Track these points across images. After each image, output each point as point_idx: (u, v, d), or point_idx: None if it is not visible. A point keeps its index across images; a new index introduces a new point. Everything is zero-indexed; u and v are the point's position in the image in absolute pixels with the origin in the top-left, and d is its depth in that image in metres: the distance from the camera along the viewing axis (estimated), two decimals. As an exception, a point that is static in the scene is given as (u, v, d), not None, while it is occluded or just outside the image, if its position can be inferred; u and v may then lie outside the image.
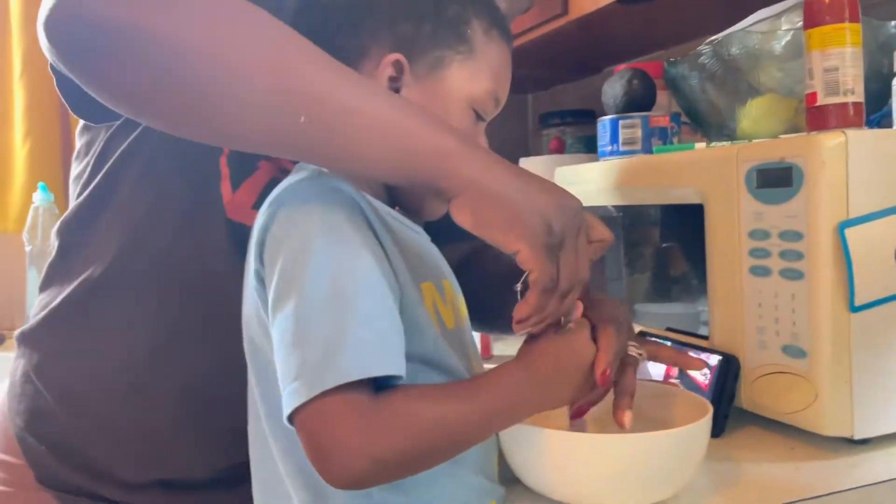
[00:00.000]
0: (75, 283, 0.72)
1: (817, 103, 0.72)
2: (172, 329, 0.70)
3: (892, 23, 0.84)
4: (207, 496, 0.74)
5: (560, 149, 1.50)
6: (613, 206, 1.01)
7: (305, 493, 0.56)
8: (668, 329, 0.91)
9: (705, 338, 0.83)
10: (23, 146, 1.82)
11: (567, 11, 1.20)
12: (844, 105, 0.71)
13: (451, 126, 0.54)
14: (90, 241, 0.72)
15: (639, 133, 0.99)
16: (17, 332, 0.77)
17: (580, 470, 0.59)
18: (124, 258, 0.70)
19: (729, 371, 0.76)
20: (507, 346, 1.13)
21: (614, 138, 1.01)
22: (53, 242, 0.76)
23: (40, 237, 1.59)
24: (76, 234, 0.74)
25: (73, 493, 0.71)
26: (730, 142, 0.86)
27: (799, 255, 0.69)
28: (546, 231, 0.52)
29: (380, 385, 0.50)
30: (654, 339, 0.81)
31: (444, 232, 0.66)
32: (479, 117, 0.64)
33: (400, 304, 0.54)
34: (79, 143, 0.77)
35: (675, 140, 1.02)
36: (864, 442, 0.70)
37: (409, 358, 0.52)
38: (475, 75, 0.62)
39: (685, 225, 0.89)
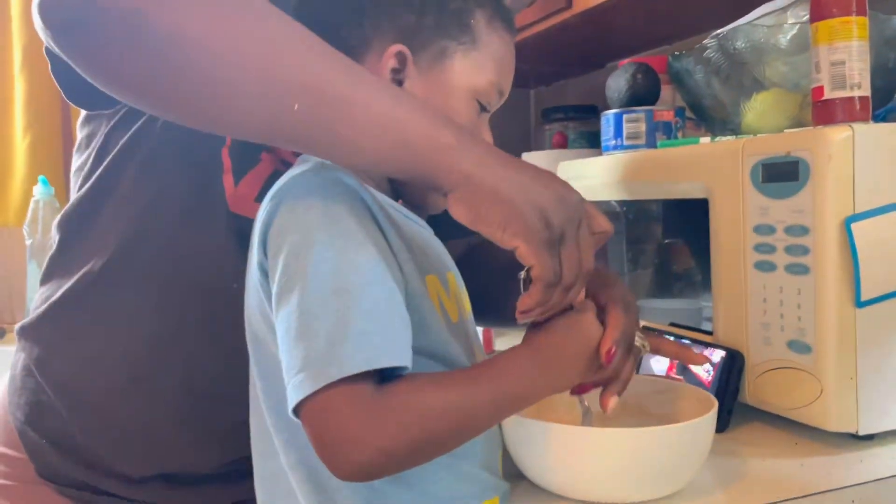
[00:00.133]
0: (76, 277, 0.71)
1: (823, 97, 0.72)
2: (174, 322, 0.69)
3: (899, 17, 0.83)
4: (209, 490, 0.73)
5: (563, 144, 1.50)
6: (617, 202, 1.00)
7: (308, 487, 0.56)
8: (672, 324, 0.91)
9: (709, 333, 0.82)
10: (23, 139, 1.82)
11: (571, 5, 1.20)
12: (851, 99, 0.71)
13: (450, 120, 0.53)
14: (91, 234, 0.72)
15: (643, 127, 0.99)
16: (17, 326, 0.76)
17: (584, 464, 0.59)
18: (126, 251, 0.70)
19: (733, 366, 0.75)
20: (509, 341, 1.12)
21: (618, 133, 1.00)
22: (54, 236, 0.76)
23: (41, 231, 1.58)
24: (77, 227, 0.74)
25: (74, 487, 0.71)
26: (734, 136, 0.86)
27: (805, 250, 0.68)
28: (544, 226, 0.51)
29: (386, 377, 0.50)
30: (657, 332, 0.81)
31: (446, 226, 0.65)
32: (482, 108, 0.64)
33: (405, 296, 0.54)
34: (80, 135, 0.77)
35: (679, 135, 1.01)
36: (869, 438, 0.69)
37: (415, 351, 0.51)
38: (478, 66, 0.62)
39: (688, 220, 0.88)
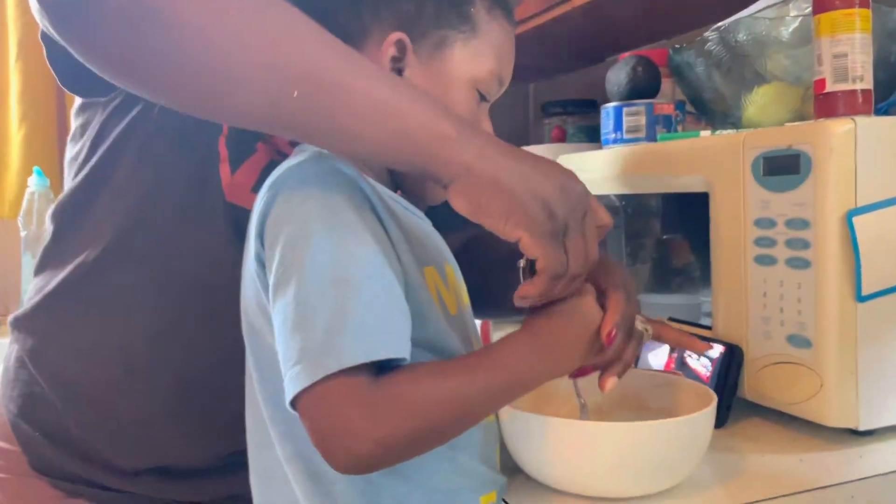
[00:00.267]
0: (70, 267, 0.71)
1: (826, 90, 0.71)
2: (170, 313, 0.69)
3: (902, 10, 0.82)
4: (205, 483, 0.73)
5: (562, 138, 1.49)
6: (616, 196, 1.00)
7: (304, 479, 0.55)
8: (670, 319, 0.91)
9: (708, 328, 0.82)
10: (18, 131, 1.81)
11: (571, -2, 1.19)
12: (853, 92, 0.70)
13: (450, 110, 0.53)
14: (86, 224, 0.71)
15: (643, 121, 0.98)
16: (10, 317, 0.76)
17: (582, 458, 0.59)
18: (121, 241, 0.69)
19: (732, 361, 0.75)
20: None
21: (618, 126, 1.00)
22: (48, 226, 0.75)
23: (35, 222, 1.58)
24: (71, 217, 0.73)
25: (68, 480, 0.70)
26: (735, 130, 0.85)
27: (805, 244, 0.68)
28: (547, 216, 0.51)
29: (383, 368, 0.49)
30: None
31: (444, 219, 0.65)
32: (482, 98, 0.63)
33: (403, 287, 0.53)
34: (74, 124, 0.76)
35: (679, 128, 1.01)
36: (869, 433, 0.69)
37: (413, 343, 0.51)
38: (478, 55, 0.62)
39: (687, 215, 0.88)
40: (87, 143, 0.72)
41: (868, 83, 0.71)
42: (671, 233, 1.02)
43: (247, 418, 0.61)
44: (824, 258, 0.66)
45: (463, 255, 0.69)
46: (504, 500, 0.60)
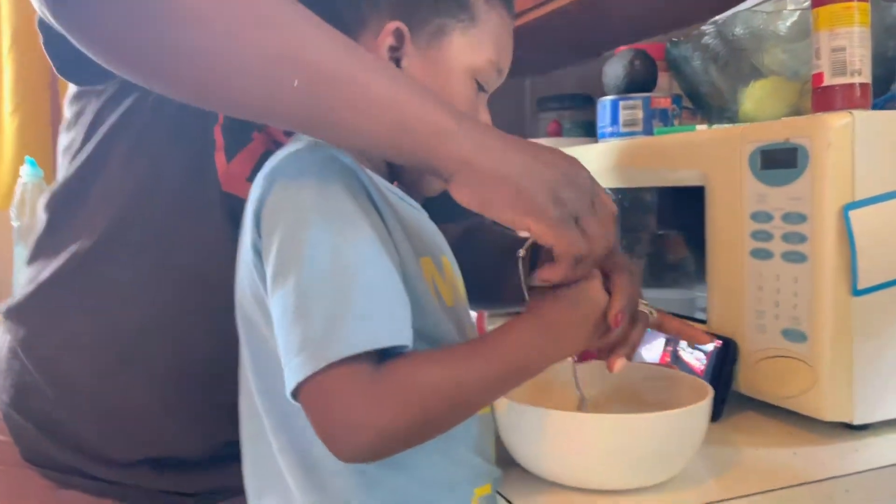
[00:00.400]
0: (64, 257, 0.70)
1: (823, 83, 0.71)
2: (165, 303, 0.68)
3: (899, 5, 0.82)
4: (198, 475, 0.73)
5: (558, 133, 1.49)
6: (611, 189, 1.00)
7: (298, 470, 0.55)
8: (666, 313, 0.90)
9: (703, 322, 0.82)
10: (11, 121, 1.80)
11: (567, -8, 1.19)
12: (851, 86, 0.70)
13: (450, 104, 0.52)
14: (80, 213, 0.71)
15: (640, 114, 0.98)
16: (2, 308, 0.75)
17: (578, 451, 0.58)
18: (115, 230, 0.69)
19: (727, 355, 0.75)
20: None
21: (614, 119, 1.00)
22: (41, 216, 0.75)
23: (28, 213, 1.56)
24: (65, 206, 0.72)
25: (60, 471, 0.70)
26: (731, 125, 0.85)
27: (802, 238, 0.68)
28: (553, 203, 0.50)
29: (385, 356, 0.49)
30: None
31: (441, 210, 0.65)
32: (480, 88, 0.63)
33: (400, 277, 0.53)
34: (68, 113, 0.75)
35: (675, 122, 1.01)
36: (864, 427, 0.69)
37: None
38: (477, 44, 0.61)
39: (682, 210, 0.88)
40: (82, 133, 0.72)
41: (866, 77, 0.70)
42: (667, 227, 1.02)
43: (240, 409, 0.61)
44: (821, 252, 0.66)
45: (460, 247, 0.69)
46: (499, 493, 0.60)
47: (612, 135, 1.01)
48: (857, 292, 0.66)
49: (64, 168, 0.73)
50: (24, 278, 0.74)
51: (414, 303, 0.53)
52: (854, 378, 0.67)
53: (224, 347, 0.62)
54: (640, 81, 1.00)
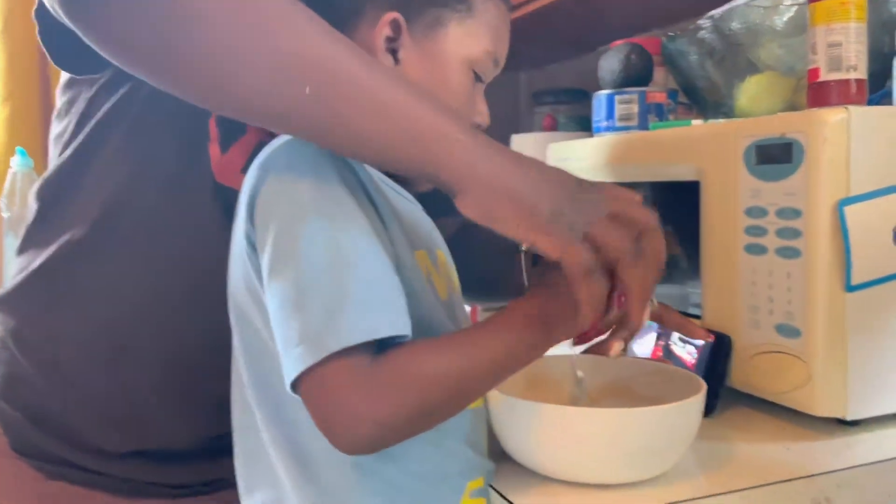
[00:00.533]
0: (55, 246, 0.70)
1: (819, 79, 0.71)
2: (157, 294, 0.68)
3: None
4: (189, 467, 0.72)
5: (553, 127, 1.49)
6: (606, 184, 0.99)
7: (290, 462, 0.55)
8: (659, 308, 0.90)
9: (697, 317, 0.82)
10: (1, 110, 1.78)
11: (563, -15, 1.18)
12: (847, 81, 0.70)
13: (460, 116, 0.52)
14: (71, 202, 0.70)
15: (635, 109, 0.98)
16: (-8, 297, 0.74)
17: (570, 445, 0.58)
18: (107, 220, 0.68)
19: (721, 350, 0.75)
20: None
21: (610, 114, 0.99)
22: (32, 205, 0.74)
23: (18, 203, 1.55)
24: (56, 195, 0.72)
25: (50, 462, 0.69)
26: (727, 120, 0.85)
27: (796, 233, 0.68)
28: (559, 218, 0.49)
29: (383, 346, 0.49)
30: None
31: (436, 204, 0.64)
32: (477, 78, 0.62)
33: (395, 268, 0.53)
34: (59, 101, 0.74)
35: (671, 117, 1.00)
36: (856, 423, 0.69)
37: None
38: (473, 35, 0.61)
39: (677, 205, 0.88)
40: (74, 120, 0.71)
41: (862, 73, 0.70)
42: (661, 222, 1.02)
43: (232, 401, 0.61)
44: (815, 247, 0.66)
45: (457, 242, 0.69)
46: (491, 486, 0.60)
47: (608, 129, 1.01)
48: (850, 288, 0.66)
49: (56, 156, 0.73)
50: (14, 268, 0.73)
51: (408, 295, 0.53)
52: (847, 374, 0.67)
53: (216, 339, 0.61)
54: (635, 76, 1.00)
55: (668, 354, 0.80)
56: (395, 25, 0.60)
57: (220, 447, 0.65)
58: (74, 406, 0.69)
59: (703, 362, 0.75)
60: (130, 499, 0.70)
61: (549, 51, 1.65)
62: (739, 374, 0.75)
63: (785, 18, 0.81)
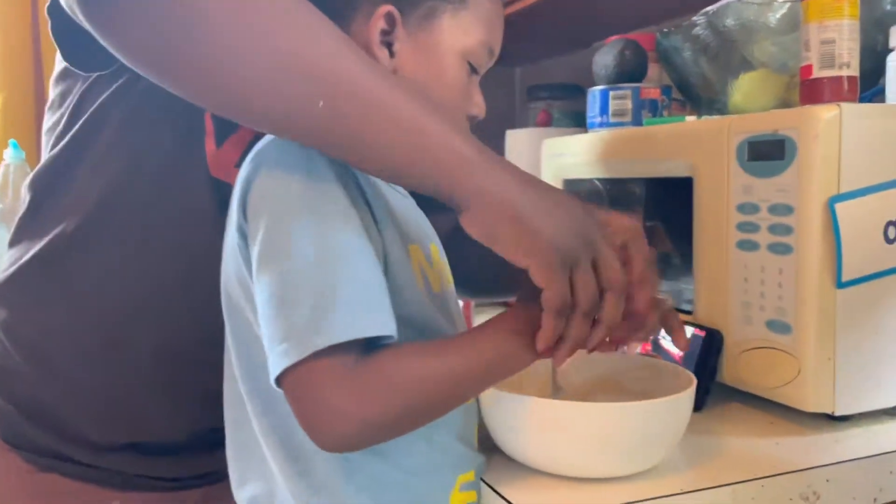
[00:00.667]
0: (48, 238, 0.69)
1: (812, 76, 0.71)
2: (150, 287, 0.68)
3: (888, -2, 0.83)
4: (180, 460, 0.72)
5: (547, 122, 1.49)
6: (599, 180, 1.00)
7: (282, 455, 0.55)
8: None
9: (689, 313, 0.82)
10: (-5, 102, 1.77)
11: (559, -20, 1.18)
12: (839, 78, 0.70)
13: (472, 136, 0.52)
14: (65, 194, 0.70)
15: (629, 104, 0.98)
16: (-17, 288, 0.74)
17: (560, 438, 0.58)
18: (101, 213, 0.68)
19: (712, 346, 0.75)
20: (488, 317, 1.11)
21: (604, 109, 0.99)
22: (24, 196, 0.74)
23: (11, 196, 1.55)
24: (49, 187, 0.71)
25: (41, 454, 0.69)
26: (721, 117, 0.85)
27: (788, 230, 0.68)
28: (557, 247, 0.49)
29: (369, 346, 0.49)
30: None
31: (432, 199, 0.64)
32: (473, 70, 0.62)
33: (385, 262, 0.53)
34: (53, 93, 0.74)
35: (665, 113, 1.01)
36: (845, 419, 0.70)
37: (396, 319, 0.50)
38: (468, 26, 0.61)
39: (670, 202, 0.88)
40: (68, 112, 0.71)
41: (854, 70, 0.71)
42: (654, 219, 1.02)
43: (224, 394, 0.61)
44: (806, 244, 0.67)
45: (454, 237, 0.69)
46: (482, 479, 0.60)
47: (602, 125, 1.01)
48: (841, 284, 0.66)
49: (49, 148, 0.73)
50: (6, 260, 0.73)
51: (400, 288, 0.53)
52: (836, 370, 0.67)
53: (209, 333, 0.61)
54: (630, 72, 1.00)
55: (657, 349, 0.80)
56: (389, 18, 0.59)
57: (212, 440, 0.65)
58: (66, 399, 0.69)
59: (695, 358, 0.76)
60: (122, 491, 0.70)
61: (544, 46, 1.65)
62: (730, 370, 0.75)
63: (778, 15, 0.81)
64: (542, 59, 1.78)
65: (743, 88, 0.87)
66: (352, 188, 0.53)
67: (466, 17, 0.61)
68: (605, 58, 1.01)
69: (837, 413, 0.68)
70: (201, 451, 0.72)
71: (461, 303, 1.01)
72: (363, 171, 0.54)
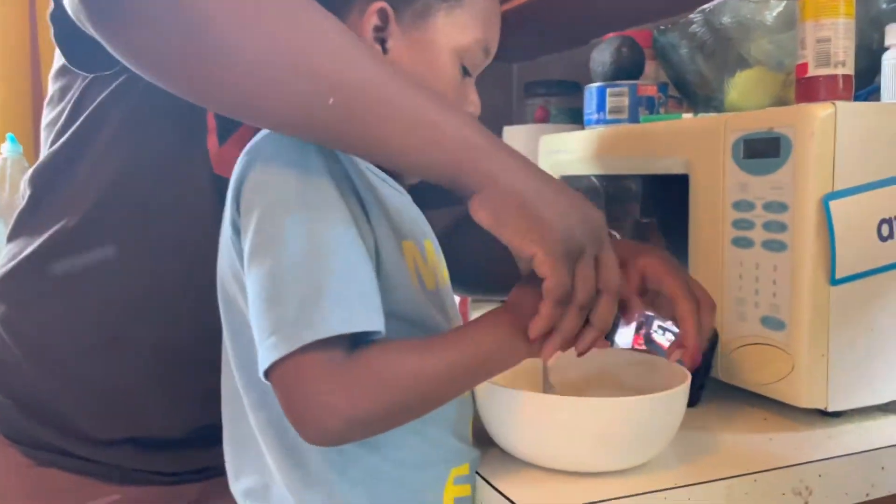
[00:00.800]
0: (48, 234, 0.70)
1: (807, 74, 0.71)
2: (150, 282, 0.68)
3: (884, -3, 0.83)
4: (178, 455, 0.73)
5: (544, 119, 1.49)
6: (596, 176, 1.00)
7: (278, 448, 0.55)
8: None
9: (684, 309, 0.82)
10: (-7, 96, 1.77)
11: (556, -23, 1.18)
12: (834, 77, 0.71)
13: (481, 125, 0.52)
14: (65, 190, 0.70)
15: (626, 101, 0.98)
16: (-20, 283, 0.74)
17: (555, 433, 0.59)
18: (102, 208, 0.68)
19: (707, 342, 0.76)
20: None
21: (601, 106, 1.00)
22: (24, 191, 0.74)
23: (8, 190, 1.54)
24: (50, 182, 0.72)
25: (40, 449, 0.70)
26: (717, 114, 0.85)
27: (783, 227, 0.68)
28: (564, 238, 0.50)
29: (358, 341, 0.49)
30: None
31: (428, 195, 0.64)
32: (465, 72, 0.62)
33: (377, 258, 0.53)
34: (52, 88, 0.74)
35: (661, 110, 1.01)
36: (838, 415, 0.70)
37: (388, 315, 0.51)
38: (463, 24, 0.61)
39: (666, 198, 0.88)
40: (68, 108, 0.71)
41: (850, 69, 0.71)
42: (650, 215, 1.02)
43: (222, 389, 0.61)
44: (801, 241, 0.67)
45: (452, 234, 0.69)
46: (477, 473, 0.61)
47: (599, 122, 1.01)
48: (835, 282, 0.67)
49: (48, 143, 0.73)
50: (5, 255, 0.73)
51: (394, 284, 0.53)
52: (829, 366, 0.68)
53: (208, 329, 0.61)
54: (627, 69, 1.00)
55: (649, 342, 0.81)
56: (382, 14, 0.59)
57: (210, 435, 0.65)
58: (65, 393, 0.69)
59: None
60: (121, 486, 0.70)
61: (542, 43, 1.65)
62: (725, 366, 0.76)
63: (775, 13, 0.82)
64: (540, 55, 1.79)
65: (739, 86, 0.87)
66: (344, 185, 0.53)
67: (461, 16, 0.61)
68: (602, 55, 1.02)
69: (830, 409, 0.69)
70: (200, 447, 0.72)
71: (458, 299, 1.02)
72: (373, 163, 0.54)
